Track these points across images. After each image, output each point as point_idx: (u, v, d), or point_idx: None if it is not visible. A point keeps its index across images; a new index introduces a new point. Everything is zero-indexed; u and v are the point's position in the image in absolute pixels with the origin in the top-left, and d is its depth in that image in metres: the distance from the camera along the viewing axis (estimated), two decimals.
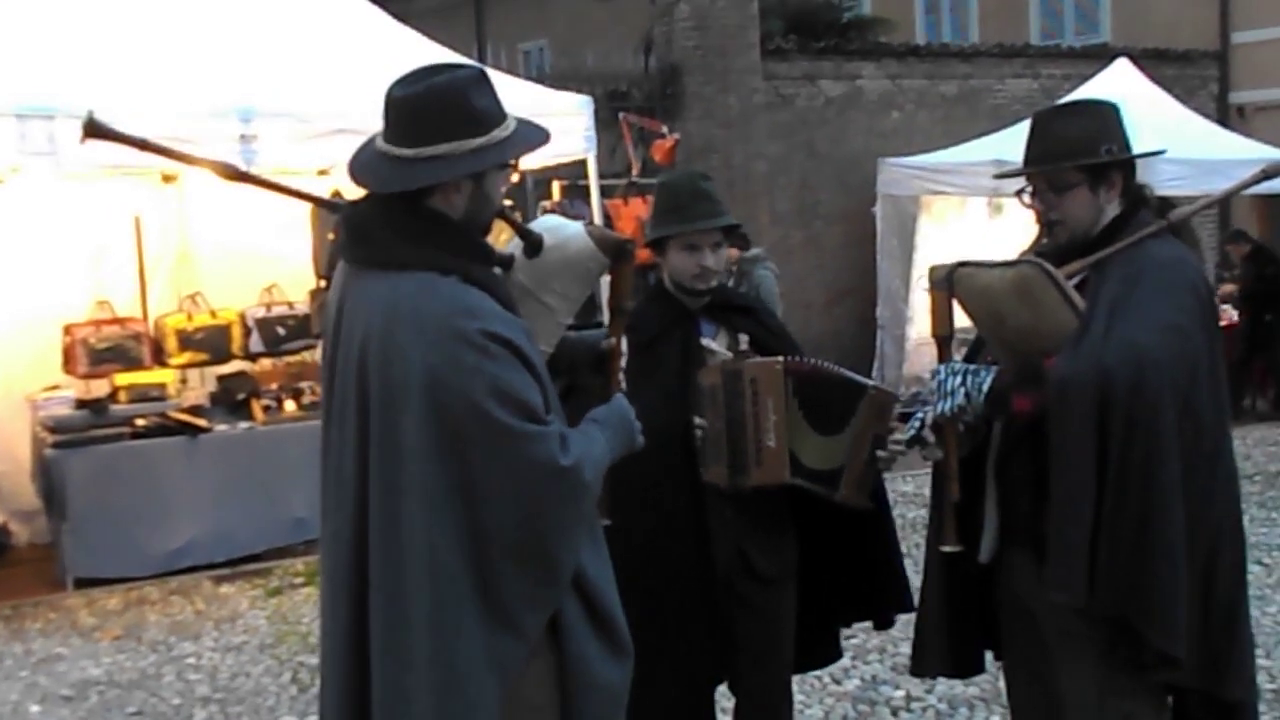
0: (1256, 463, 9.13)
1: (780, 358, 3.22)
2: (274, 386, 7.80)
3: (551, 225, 2.71)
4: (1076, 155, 2.86)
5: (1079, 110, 3.05)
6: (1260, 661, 4.46)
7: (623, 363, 2.78)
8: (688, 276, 3.31)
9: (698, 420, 3.21)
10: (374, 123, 2.52)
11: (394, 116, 2.40)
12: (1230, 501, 2.86)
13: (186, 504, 7.09)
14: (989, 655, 3.26)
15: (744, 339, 3.34)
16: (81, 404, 7.21)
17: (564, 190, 9.36)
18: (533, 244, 2.59)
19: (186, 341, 7.60)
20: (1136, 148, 2.97)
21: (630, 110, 10.64)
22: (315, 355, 7.54)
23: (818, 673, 4.64)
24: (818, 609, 3.50)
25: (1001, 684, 3.40)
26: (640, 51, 12.32)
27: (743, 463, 3.19)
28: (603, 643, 2.49)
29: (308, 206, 7.29)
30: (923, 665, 3.23)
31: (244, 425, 7.45)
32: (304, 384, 7.74)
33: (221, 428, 7.37)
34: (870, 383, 3.23)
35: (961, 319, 2.91)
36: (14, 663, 5.87)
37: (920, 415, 3.02)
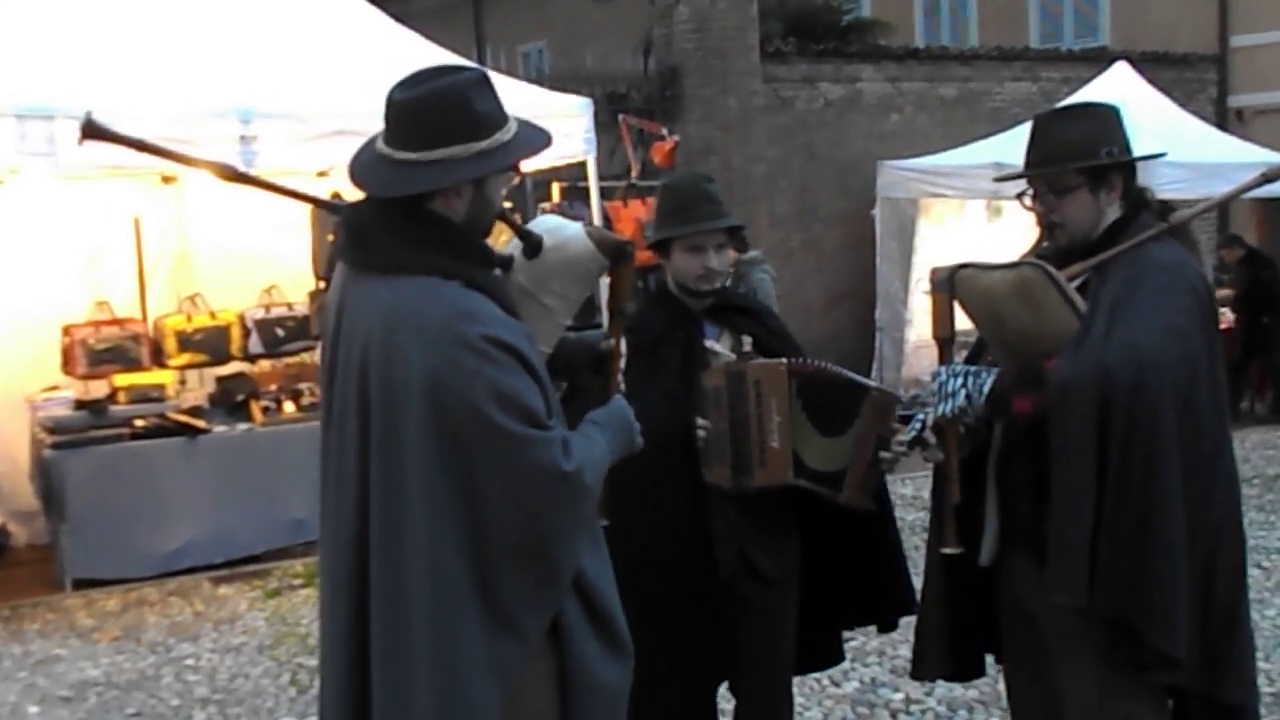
0: (1255, 466, 9.14)
1: (784, 359, 3.22)
2: (273, 388, 7.80)
3: (551, 226, 2.70)
4: (1077, 158, 2.87)
5: (1080, 113, 3.06)
6: (1259, 665, 4.46)
7: (622, 364, 2.78)
8: (691, 278, 3.32)
9: (701, 421, 3.21)
10: (373, 124, 2.51)
11: (395, 119, 2.39)
12: (1230, 503, 2.86)
13: (185, 505, 7.09)
14: (989, 658, 3.26)
15: (747, 341, 3.34)
16: (80, 405, 7.21)
17: (563, 192, 9.36)
18: (532, 245, 2.58)
19: (185, 342, 7.60)
20: (1136, 151, 2.97)
21: (629, 112, 10.64)
22: (314, 357, 7.54)
23: (817, 675, 4.64)
24: (820, 611, 3.50)
25: (1001, 687, 3.40)
26: (639, 53, 12.32)
27: (746, 464, 3.20)
28: (603, 644, 2.49)
29: (307, 208, 7.30)
30: (923, 668, 3.23)
31: (243, 426, 7.45)
32: (303, 385, 7.74)
33: (220, 429, 7.37)
34: (873, 384, 3.24)
35: (963, 321, 2.91)
36: (12, 664, 5.86)
37: (921, 417, 3.02)
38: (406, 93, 2.38)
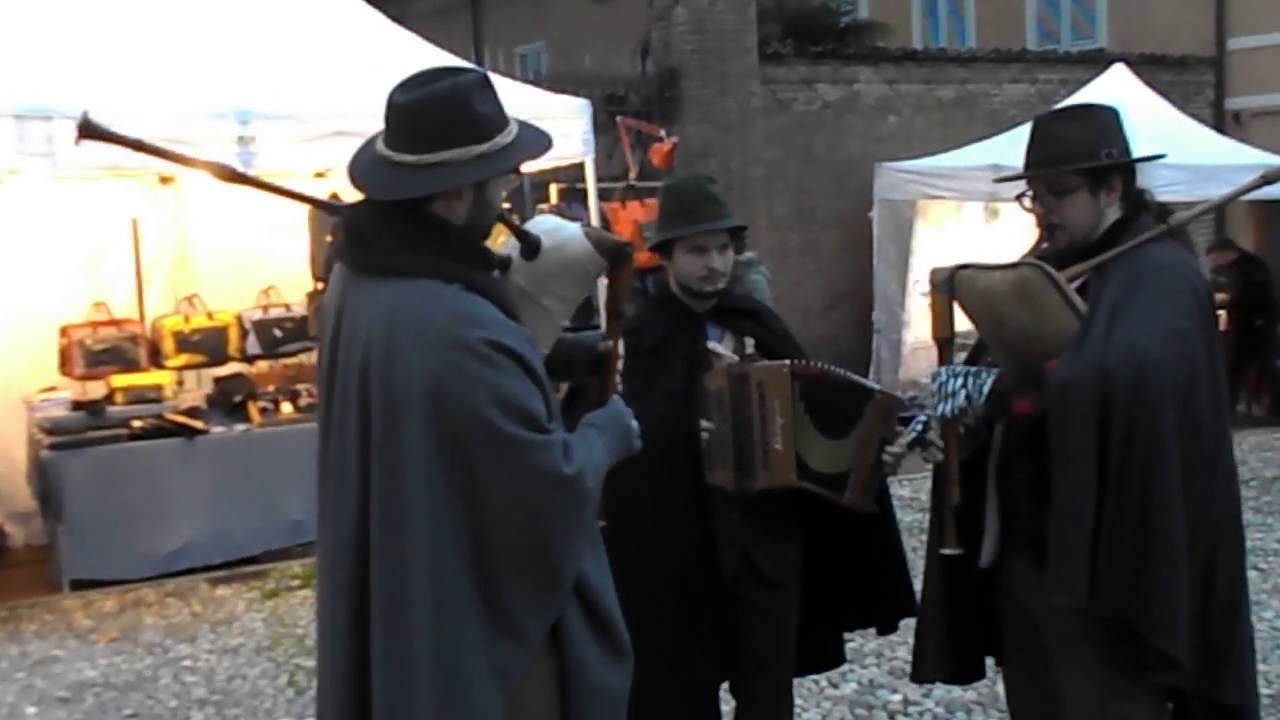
0: (1252, 468, 9.14)
1: (787, 361, 3.23)
2: (271, 388, 7.79)
3: (549, 227, 2.69)
4: (1077, 159, 2.87)
5: (1079, 114, 3.06)
6: (1257, 666, 4.47)
7: (619, 365, 2.78)
8: (695, 278, 3.32)
9: (704, 424, 3.21)
10: (372, 125, 2.51)
11: (396, 121, 2.38)
12: (1230, 503, 2.86)
13: (183, 506, 7.09)
14: (988, 660, 3.26)
15: (749, 342, 3.34)
16: (78, 405, 7.21)
17: (561, 193, 9.36)
18: (530, 246, 2.58)
19: (183, 343, 7.60)
20: (1135, 153, 2.97)
21: (627, 114, 10.64)
22: (312, 358, 7.53)
23: (815, 676, 4.64)
24: (822, 612, 3.50)
25: (999, 688, 3.40)
26: (638, 55, 12.32)
27: (749, 466, 3.20)
28: (603, 646, 2.49)
29: (305, 209, 7.29)
30: (922, 671, 3.23)
31: (241, 427, 7.44)
32: (301, 386, 7.74)
33: (218, 430, 7.36)
34: (877, 387, 3.24)
35: (962, 322, 2.92)
36: (10, 664, 5.86)
37: (922, 418, 3.02)
38: (407, 94, 2.37)
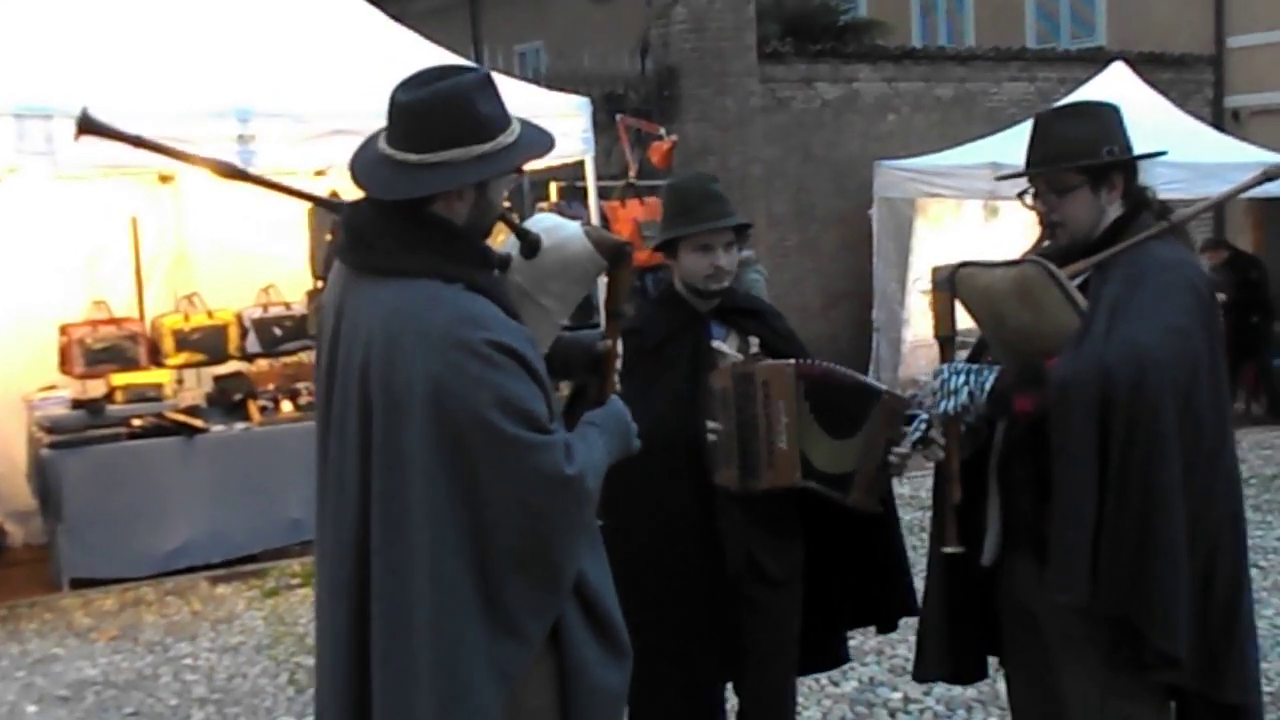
0: (1252, 466, 9.15)
1: (792, 360, 3.22)
2: (270, 387, 7.79)
3: (549, 225, 2.69)
4: (1078, 157, 2.87)
5: (1080, 112, 3.06)
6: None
7: (618, 365, 2.78)
8: (700, 277, 3.32)
9: (709, 423, 3.21)
10: (372, 124, 2.50)
11: (398, 120, 2.37)
12: (1231, 502, 2.86)
13: (183, 504, 7.08)
14: (990, 660, 3.26)
15: (754, 342, 3.34)
16: (78, 404, 7.20)
17: (561, 192, 9.35)
18: (530, 245, 2.57)
19: (183, 342, 7.60)
20: (1135, 151, 2.97)
21: (627, 112, 10.63)
22: (312, 356, 7.53)
23: (815, 674, 4.65)
24: (824, 611, 3.50)
25: (999, 686, 3.40)
26: (637, 54, 12.33)
27: (754, 465, 3.19)
28: (602, 646, 2.49)
29: (305, 207, 7.31)
30: (924, 670, 3.22)
31: (240, 426, 7.44)
32: (300, 385, 7.73)
33: (218, 428, 7.36)
34: (883, 388, 3.22)
35: (964, 321, 2.91)
36: (10, 663, 5.86)
37: (924, 417, 3.02)
38: (410, 93, 2.36)
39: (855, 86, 13.11)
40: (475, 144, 2.34)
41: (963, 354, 3.01)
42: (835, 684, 5.08)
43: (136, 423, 7.12)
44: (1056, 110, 3.11)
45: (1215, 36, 15.35)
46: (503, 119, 2.40)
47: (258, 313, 7.86)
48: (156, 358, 7.56)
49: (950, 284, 2.89)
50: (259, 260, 7.98)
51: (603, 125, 9.22)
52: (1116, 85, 11.30)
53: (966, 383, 2.82)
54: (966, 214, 11.83)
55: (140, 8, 7.04)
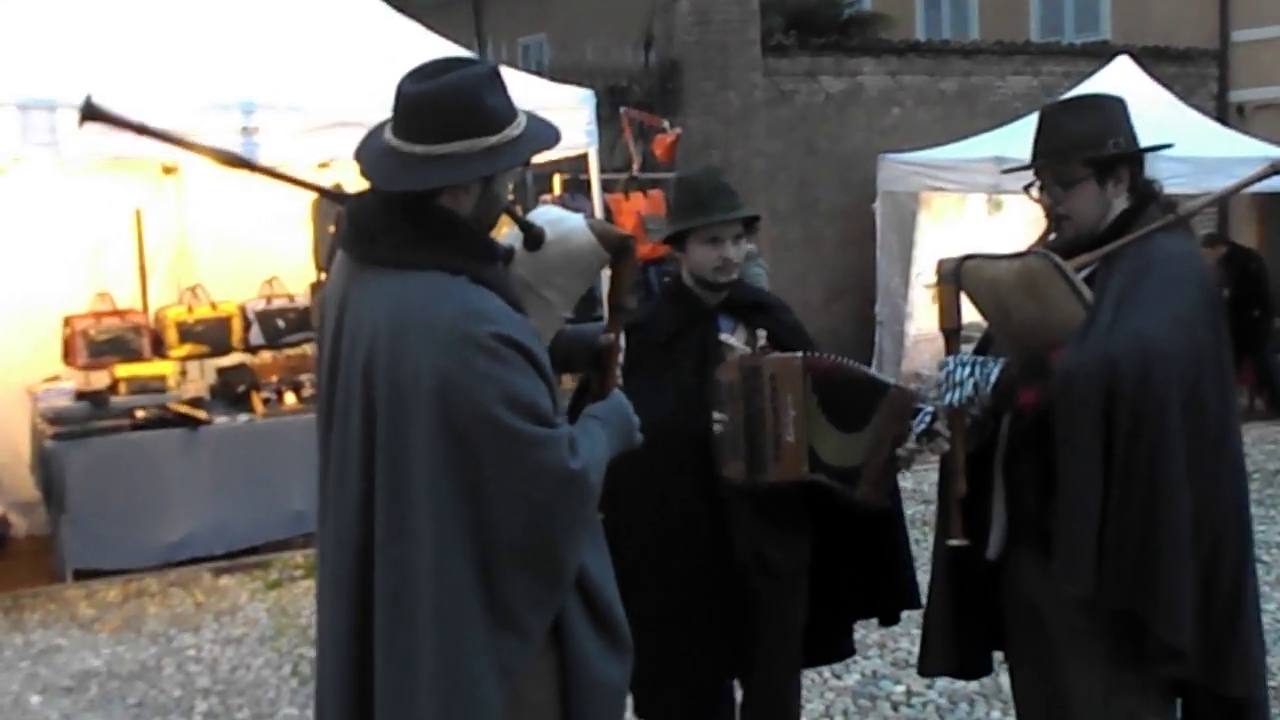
0: (1255, 461, 9.15)
1: (800, 353, 3.22)
2: (274, 379, 7.79)
3: (552, 218, 2.68)
4: (1083, 149, 2.86)
5: (1086, 105, 3.05)
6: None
7: (620, 358, 2.78)
8: (709, 270, 3.32)
9: (716, 416, 3.21)
10: (375, 117, 2.49)
11: (405, 112, 2.36)
12: (1235, 495, 2.85)
13: (186, 496, 7.09)
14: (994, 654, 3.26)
15: (762, 335, 3.35)
16: (81, 396, 7.22)
17: (565, 185, 9.35)
18: (534, 237, 2.57)
19: (186, 334, 7.60)
20: (1140, 144, 2.97)
21: (630, 105, 10.62)
22: (315, 349, 7.53)
23: (818, 667, 4.65)
24: (831, 604, 3.51)
25: (1002, 680, 3.41)
26: (640, 47, 12.30)
27: (761, 458, 3.19)
28: (603, 640, 2.49)
29: (308, 199, 7.31)
30: (928, 664, 3.22)
31: (244, 418, 7.44)
32: (304, 377, 7.74)
33: (221, 420, 7.36)
34: (891, 381, 3.21)
35: (969, 314, 2.91)
36: (14, 654, 5.87)
37: (929, 410, 3.02)
38: (418, 85, 2.35)
39: (859, 80, 13.09)
40: (483, 137, 2.33)
41: (968, 348, 3.01)
42: (838, 677, 5.09)
43: (140, 414, 7.13)
44: (1062, 103, 3.11)
45: (1220, 31, 15.32)
46: (509, 112, 2.39)
47: (261, 305, 7.86)
48: (160, 349, 7.57)
49: (956, 276, 2.88)
50: (262, 252, 7.98)
51: (606, 118, 9.21)
52: (1121, 79, 11.27)
53: (971, 375, 2.81)
54: (970, 208, 11.82)
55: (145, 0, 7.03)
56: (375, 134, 2.44)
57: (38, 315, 7.47)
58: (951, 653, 3.14)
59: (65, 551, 6.91)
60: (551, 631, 2.41)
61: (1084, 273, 2.81)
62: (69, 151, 6.29)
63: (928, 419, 3.01)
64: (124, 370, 7.36)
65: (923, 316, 11.45)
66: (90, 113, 2.57)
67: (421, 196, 2.36)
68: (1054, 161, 2.90)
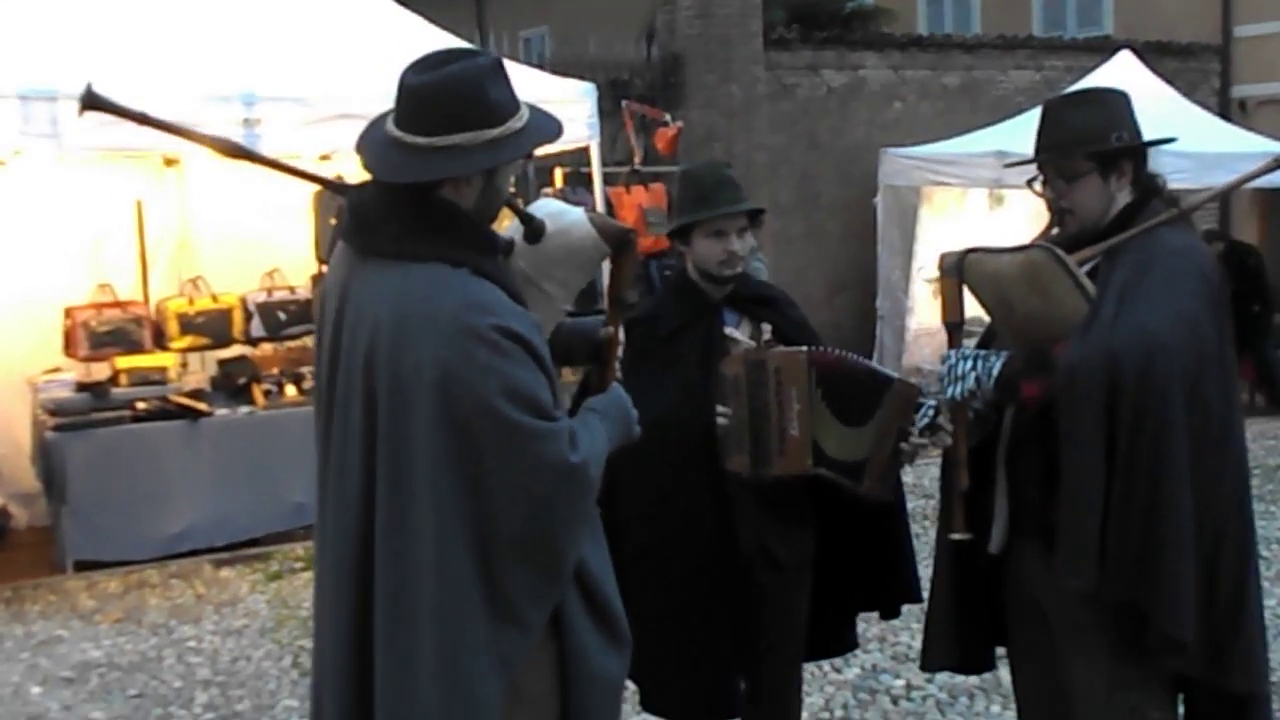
0: (1255, 456, 9.15)
1: (804, 348, 3.23)
2: (275, 371, 7.80)
3: (552, 211, 2.68)
4: (1087, 143, 2.86)
5: (1089, 99, 3.05)
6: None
7: (620, 352, 2.77)
8: (714, 263, 3.32)
9: (721, 410, 3.21)
10: (377, 108, 2.48)
11: (408, 103, 2.36)
12: (1238, 489, 2.85)
13: (187, 488, 7.09)
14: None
15: (766, 329, 3.35)
16: (82, 387, 7.21)
17: (566, 178, 9.35)
18: (534, 230, 2.56)
19: (187, 325, 7.59)
20: (1143, 138, 2.96)
21: (632, 99, 10.61)
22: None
23: (818, 661, 4.65)
24: (835, 597, 3.51)
25: (1002, 674, 3.41)
26: (642, 40, 12.28)
27: (765, 452, 3.19)
28: (602, 634, 2.50)
29: (310, 191, 7.31)
30: (931, 660, 3.22)
31: (245, 410, 7.44)
32: (305, 369, 7.72)
33: (222, 412, 7.36)
34: (895, 375, 3.21)
35: (972, 308, 2.91)
36: (14, 645, 5.88)
37: (932, 404, 3.02)
38: (421, 76, 2.34)
39: (861, 74, 13.07)
40: (485, 129, 2.33)
41: (970, 342, 3.01)
42: (838, 671, 5.09)
43: (141, 406, 7.13)
44: (1066, 97, 3.11)
45: (1222, 26, 15.29)
46: (512, 104, 2.39)
47: (262, 297, 7.86)
48: (161, 341, 7.56)
49: (958, 270, 2.88)
50: (263, 244, 7.97)
51: (608, 111, 9.21)
52: (1123, 74, 11.25)
53: (974, 368, 2.81)
54: (972, 202, 11.80)
55: None
56: (377, 125, 2.44)
57: (39, 307, 7.46)
58: (954, 647, 3.14)
59: (66, 543, 6.91)
60: (551, 624, 2.42)
61: (1087, 267, 2.80)
62: (70, 142, 6.29)
63: (930, 413, 3.01)
64: (125, 362, 7.36)
65: (923, 311, 11.44)
66: (91, 101, 2.57)
67: (423, 188, 2.36)
68: (1057, 155, 2.90)
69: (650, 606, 3.12)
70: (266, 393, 7.60)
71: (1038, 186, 2.97)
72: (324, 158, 7.11)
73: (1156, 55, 13.50)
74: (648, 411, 2.68)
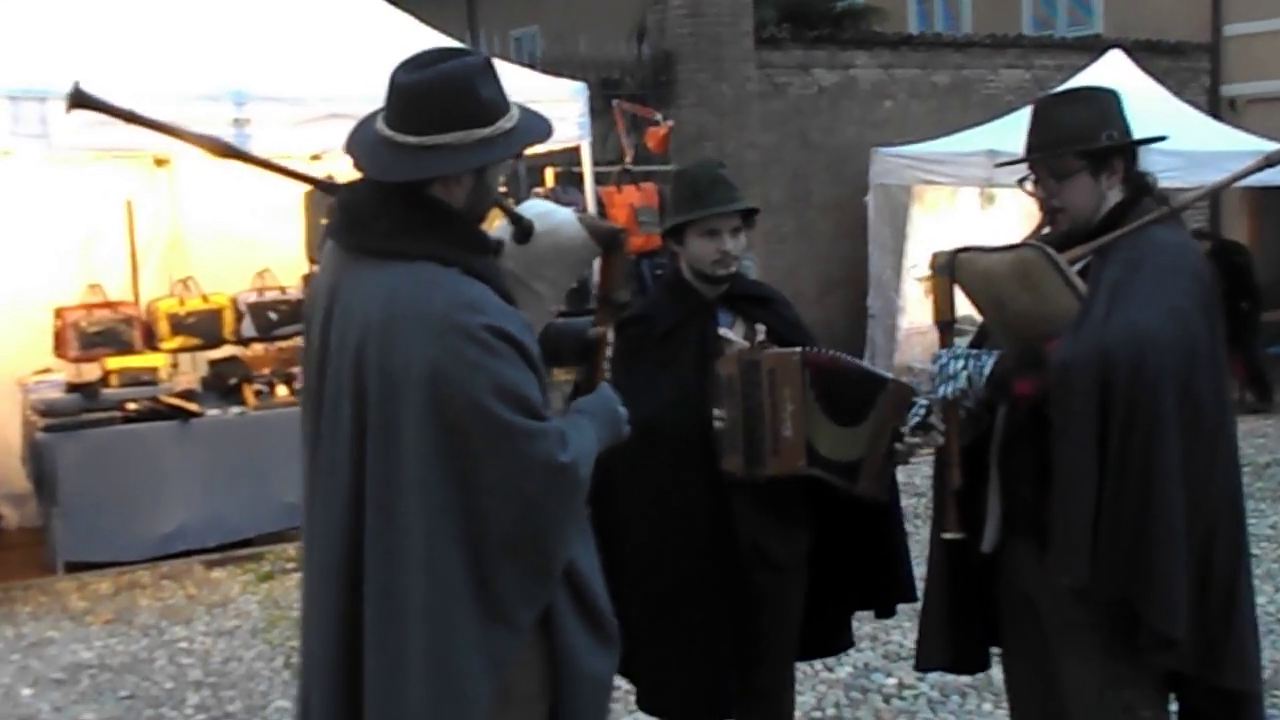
0: (1244, 454, 9.06)
1: (798, 348, 3.23)
2: (266, 371, 7.78)
3: (541, 211, 2.68)
4: (1077, 142, 2.86)
5: (1080, 97, 3.06)
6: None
7: (609, 352, 2.77)
8: (708, 262, 3.32)
9: (716, 410, 3.21)
10: (368, 108, 2.48)
11: (398, 102, 2.36)
12: (1229, 486, 2.86)
13: (178, 488, 7.08)
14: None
15: (761, 329, 3.35)
16: (73, 388, 7.19)
17: (557, 177, 9.32)
18: (524, 230, 2.56)
19: (178, 326, 7.57)
20: (1134, 136, 2.97)
21: (623, 98, 10.60)
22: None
23: (810, 660, 4.65)
24: (831, 596, 3.51)
25: (995, 673, 3.40)
26: (633, 39, 12.28)
27: (759, 452, 3.20)
28: (591, 634, 2.50)
29: (300, 191, 7.28)
30: (925, 659, 3.22)
31: (235, 410, 7.43)
32: (296, 369, 7.70)
33: (213, 412, 7.35)
34: (889, 376, 3.22)
35: (963, 307, 2.91)
36: (5, 646, 5.86)
37: (924, 403, 3.02)
38: (411, 75, 2.34)
39: (852, 73, 13.07)
40: (476, 128, 2.33)
41: (961, 341, 3.01)
42: (830, 669, 5.09)
43: (131, 406, 7.11)
44: (1056, 95, 3.11)
45: (1212, 24, 15.32)
46: (502, 104, 2.39)
47: (253, 297, 7.84)
48: (151, 341, 7.54)
49: (950, 269, 2.88)
50: (254, 244, 7.95)
51: (599, 110, 9.20)
52: (1113, 73, 11.27)
53: (965, 367, 2.82)
54: (962, 201, 11.81)
55: None
56: (367, 124, 2.44)
57: (29, 307, 7.45)
58: (948, 646, 3.14)
59: (57, 544, 6.90)
60: (540, 625, 2.41)
61: (1078, 265, 2.81)
62: (60, 142, 6.28)
63: (922, 412, 3.01)
64: (115, 362, 7.34)
65: (915, 310, 11.45)
66: (78, 100, 2.56)
67: (414, 187, 2.36)
68: (1048, 154, 2.90)
69: (649, 606, 3.12)
70: (258, 393, 7.59)
71: (1029, 185, 2.98)
72: (314, 157, 7.10)
73: (1147, 54, 13.52)
74: (642, 411, 2.67)
